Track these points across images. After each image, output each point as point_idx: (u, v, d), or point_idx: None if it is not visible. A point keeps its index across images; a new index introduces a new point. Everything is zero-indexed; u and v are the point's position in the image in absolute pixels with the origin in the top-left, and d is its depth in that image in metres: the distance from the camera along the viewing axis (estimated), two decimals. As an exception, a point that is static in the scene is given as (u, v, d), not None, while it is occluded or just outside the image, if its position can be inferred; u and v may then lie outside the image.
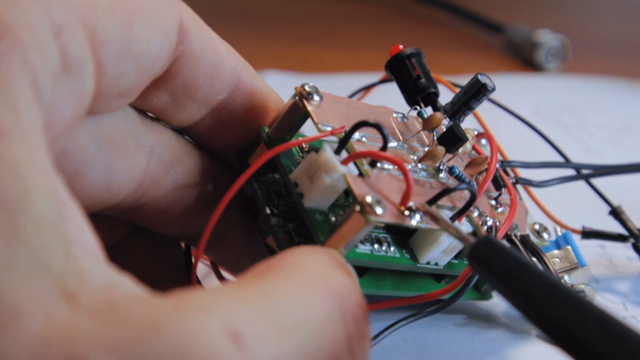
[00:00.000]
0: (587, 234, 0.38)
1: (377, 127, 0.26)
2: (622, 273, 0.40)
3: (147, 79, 0.25)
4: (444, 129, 0.29)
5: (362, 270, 0.28)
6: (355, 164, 0.26)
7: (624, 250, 0.41)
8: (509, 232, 0.30)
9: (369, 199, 0.24)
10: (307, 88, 0.27)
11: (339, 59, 0.70)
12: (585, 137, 0.58)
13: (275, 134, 0.28)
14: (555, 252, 0.34)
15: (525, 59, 0.72)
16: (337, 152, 0.26)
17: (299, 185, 0.27)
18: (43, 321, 0.17)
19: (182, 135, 0.28)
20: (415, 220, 0.26)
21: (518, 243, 0.30)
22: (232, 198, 0.26)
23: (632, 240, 0.38)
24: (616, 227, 0.38)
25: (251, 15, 0.81)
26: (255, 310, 0.19)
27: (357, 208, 0.24)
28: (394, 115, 0.31)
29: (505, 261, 0.22)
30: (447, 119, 0.31)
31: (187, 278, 0.30)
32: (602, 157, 0.53)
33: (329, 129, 0.27)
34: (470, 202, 0.27)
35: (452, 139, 0.29)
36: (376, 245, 0.28)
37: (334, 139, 0.27)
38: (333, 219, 0.27)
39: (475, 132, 0.32)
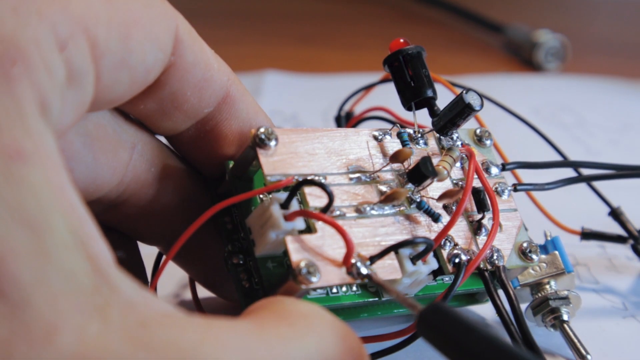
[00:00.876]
0: (587, 235, 0.38)
1: (321, 185, 0.25)
2: (622, 273, 0.40)
3: (139, 89, 0.25)
4: (437, 140, 0.28)
5: None
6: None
7: (623, 250, 0.41)
8: (481, 266, 0.29)
9: (302, 266, 0.24)
10: (261, 134, 0.26)
11: (339, 59, 0.71)
12: (585, 137, 0.58)
13: (236, 172, 0.28)
14: (543, 257, 0.33)
15: (525, 59, 0.72)
16: (284, 206, 0.25)
17: (252, 232, 0.26)
18: (76, 337, 0.17)
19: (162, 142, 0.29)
20: (358, 280, 0.25)
21: (487, 276, 0.29)
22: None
23: (631, 241, 0.38)
24: (615, 228, 0.38)
25: (251, 15, 0.81)
26: (274, 353, 0.20)
27: (291, 277, 0.24)
28: (375, 133, 0.29)
29: (453, 328, 0.21)
30: (436, 132, 0.30)
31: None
32: (602, 157, 0.53)
33: (282, 179, 0.26)
34: (426, 251, 0.26)
35: (419, 176, 0.28)
36: (335, 287, 0.27)
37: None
38: (288, 262, 0.26)
39: (459, 145, 0.30)
